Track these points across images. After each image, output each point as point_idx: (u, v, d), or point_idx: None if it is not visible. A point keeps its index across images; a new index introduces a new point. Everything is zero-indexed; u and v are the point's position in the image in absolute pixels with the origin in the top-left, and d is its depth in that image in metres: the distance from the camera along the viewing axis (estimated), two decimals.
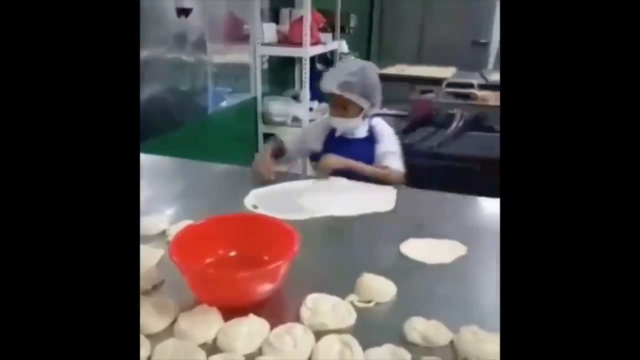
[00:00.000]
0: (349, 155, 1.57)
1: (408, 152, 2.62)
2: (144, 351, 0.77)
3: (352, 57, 4.03)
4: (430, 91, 2.87)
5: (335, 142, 1.66)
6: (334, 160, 1.53)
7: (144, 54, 2.22)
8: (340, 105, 1.57)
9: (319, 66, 3.69)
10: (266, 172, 1.52)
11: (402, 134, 2.66)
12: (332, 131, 1.68)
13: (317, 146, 1.69)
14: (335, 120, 1.62)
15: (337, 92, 1.53)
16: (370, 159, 1.61)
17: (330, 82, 1.53)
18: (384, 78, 3.92)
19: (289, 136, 1.72)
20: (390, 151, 1.63)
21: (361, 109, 1.58)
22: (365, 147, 1.63)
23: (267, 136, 3.01)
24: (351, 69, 1.55)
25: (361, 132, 1.65)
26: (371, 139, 1.65)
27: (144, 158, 1.79)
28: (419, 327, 0.82)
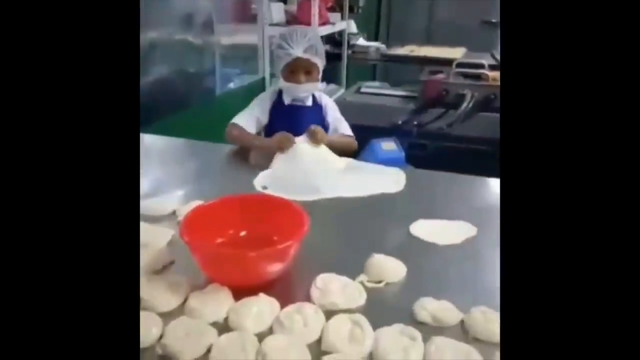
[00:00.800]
0: (300, 123, 1.62)
1: (418, 133, 2.61)
2: (155, 329, 0.77)
3: (362, 38, 3.99)
4: (440, 72, 2.83)
5: (283, 111, 1.68)
6: (325, 135, 1.54)
7: (151, 35, 2.21)
8: (304, 70, 1.61)
9: (327, 47, 3.65)
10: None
11: (412, 114, 2.64)
12: (278, 100, 1.70)
13: (265, 118, 1.72)
14: (296, 87, 1.62)
15: (304, 56, 1.57)
16: (320, 125, 1.66)
17: (296, 49, 1.56)
18: (393, 59, 3.90)
19: (239, 119, 1.68)
20: (340, 118, 1.73)
21: (319, 72, 1.64)
22: (315, 115, 1.69)
23: None
24: (307, 35, 1.60)
25: (309, 101, 1.70)
26: (317, 107, 1.71)
27: (154, 139, 1.80)
28: (429, 307, 0.82)
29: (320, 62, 1.62)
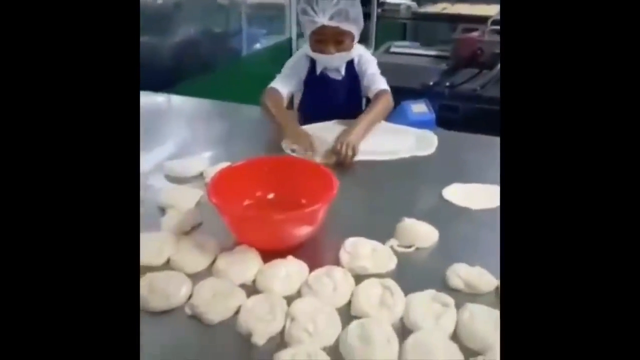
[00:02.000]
0: (331, 96, 1.49)
1: (449, 95, 2.52)
2: (185, 289, 0.78)
3: None
4: (475, 30, 2.70)
5: (315, 81, 1.50)
6: (355, 138, 1.27)
7: None
8: (334, 40, 1.37)
9: None
10: (311, 152, 1.25)
11: (444, 75, 2.54)
12: (312, 68, 1.50)
13: (300, 87, 1.53)
14: (324, 58, 1.42)
15: (332, 24, 1.33)
16: (348, 100, 1.51)
17: (321, 15, 1.33)
18: (424, 17, 3.74)
19: (276, 83, 1.47)
20: (374, 73, 1.50)
21: (353, 39, 1.42)
22: (347, 88, 1.51)
23: None
24: None
25: (342, 71, 1.50)
26: (351, 78, 1.51)
27: (181, 100, 1.79)
28: (462, 273, 0.80)
29: (354, 28, 1.39)
